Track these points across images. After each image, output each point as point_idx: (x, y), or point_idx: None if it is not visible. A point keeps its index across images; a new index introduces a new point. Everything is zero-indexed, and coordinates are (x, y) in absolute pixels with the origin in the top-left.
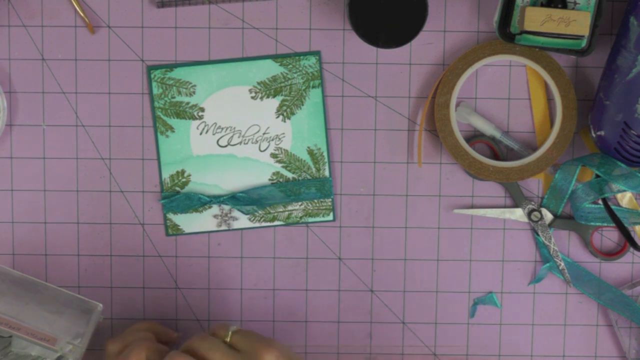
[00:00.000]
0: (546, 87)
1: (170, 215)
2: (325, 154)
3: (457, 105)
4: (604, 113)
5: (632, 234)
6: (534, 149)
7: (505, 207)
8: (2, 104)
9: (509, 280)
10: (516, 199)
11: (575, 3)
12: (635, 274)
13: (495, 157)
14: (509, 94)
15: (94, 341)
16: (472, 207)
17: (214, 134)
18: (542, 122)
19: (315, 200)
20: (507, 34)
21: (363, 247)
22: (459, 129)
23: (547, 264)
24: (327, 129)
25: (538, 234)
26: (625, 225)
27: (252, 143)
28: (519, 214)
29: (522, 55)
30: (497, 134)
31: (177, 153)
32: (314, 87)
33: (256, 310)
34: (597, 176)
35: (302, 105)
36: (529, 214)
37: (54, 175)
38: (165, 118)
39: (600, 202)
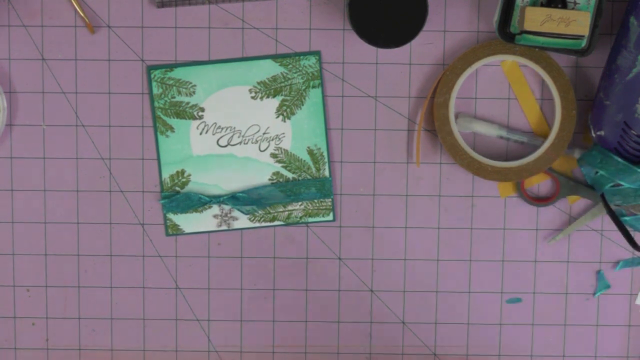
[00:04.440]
0: (545, 87)
1: (170, 215)
2: (325, 154)
3: (456, 117)
4: (604, 113)
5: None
6: (545, 137)
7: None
8: (2, 104)
9: (508, 280)
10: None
11: (575, 3)
12: None
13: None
14: (509, 94)
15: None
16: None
17: (214, 134)
18: (538, 122)
19: (315, 200)
20: (507, 34)
21: (363, 247)
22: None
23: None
24: (327, 129)
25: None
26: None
27: (252, 143)
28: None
29: (522, 55)
30: (503, 133)
31: (177, 153)
32: (314, 87)
33: (256, 310)
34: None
35: (302, 105)
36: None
37: (54, 175)
38: (165, 118)
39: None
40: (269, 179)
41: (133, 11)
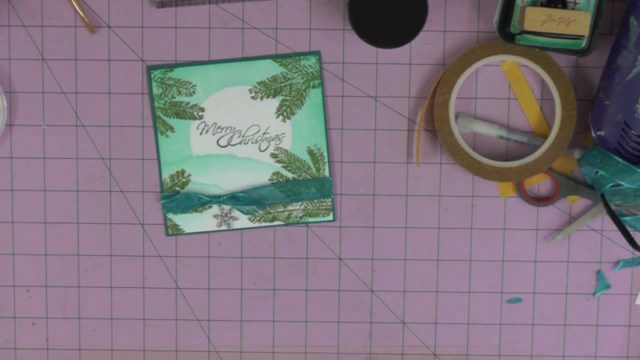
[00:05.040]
0: (545, 87)
1: (170, 215)
2: (325, 154)
3: (456, 117)
4: (604, 113)
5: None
6: (545, 137)
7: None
8: (2, 104)
9: (508, 280)
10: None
11: (575, 3)
12: None
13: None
14: (509, 94)
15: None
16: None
17: (214, 134)
18: (538, 122)
19: (315, 200)
20: (507, 34)
21: (363, 247)
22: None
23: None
24: (327, 129)
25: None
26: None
27: (252, 143)
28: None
29: (522, 55)
30: (503, 133)
31: (177, 153)
32: (314, 87)
33: (256, 310)
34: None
35: (302, 105)
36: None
37: (54, 175)
38: (165, 118)
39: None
40: (269, 179)
41: (133, 11)
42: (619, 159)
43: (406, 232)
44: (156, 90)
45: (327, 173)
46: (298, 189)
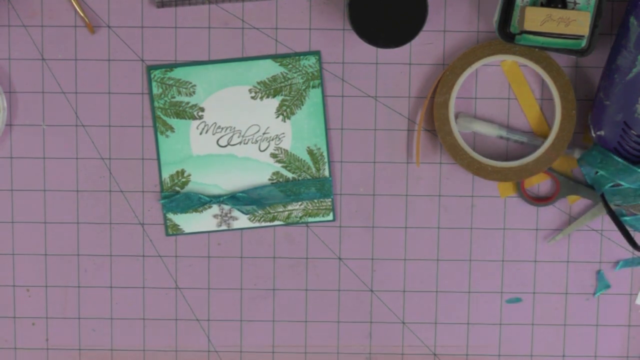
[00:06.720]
0: (545, 87)
1: (170, 215)
2: (325, 154)
3: (456, 117)
4: (604, 113)
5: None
6: (545, 137)
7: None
8: (2, 104)
9: (508, 280)
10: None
11: (575, 3)
12: None
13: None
14: (509, 94)
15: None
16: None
17: (214, 134)
18: (538, 122)
19: (315, 200)
20: (507, 34)
21: (363, 247)
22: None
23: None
24: (327, 129)
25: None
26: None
27: (252, 143)
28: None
29: (522, 55)
30: (503, 133)
31: (177, 153)
32: (314, 87)
33: (256, 310)
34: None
35: (302, 105)
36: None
37: (54, 175)
38: (165, 118)
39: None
40: (269, 179)
41: (133, 11)
42: (619, 159)
43: (406, 232)
44: (156, 90)
45: (327, 173)
46: (298, 189)
